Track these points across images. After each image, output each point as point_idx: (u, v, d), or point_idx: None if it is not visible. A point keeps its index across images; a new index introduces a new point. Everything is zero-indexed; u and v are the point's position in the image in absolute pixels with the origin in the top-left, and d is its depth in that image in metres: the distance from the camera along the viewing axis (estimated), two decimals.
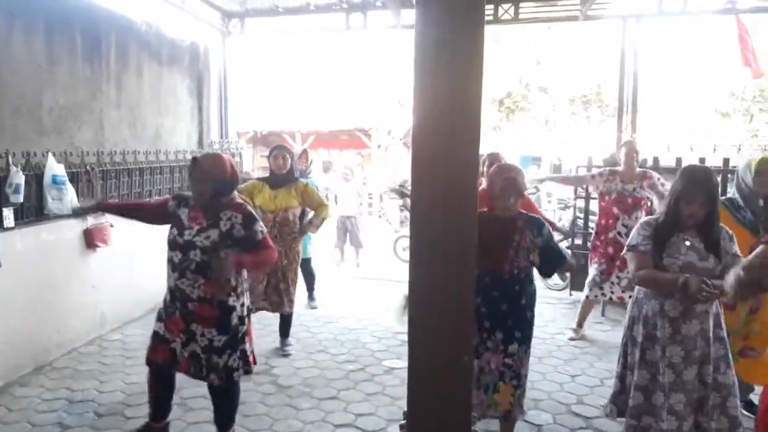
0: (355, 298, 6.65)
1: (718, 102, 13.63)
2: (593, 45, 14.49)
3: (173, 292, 3.08)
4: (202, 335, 3.05)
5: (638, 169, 5.17)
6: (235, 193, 3.20)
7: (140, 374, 4.29)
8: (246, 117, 13.09)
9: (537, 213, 4.50)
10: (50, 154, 4.63)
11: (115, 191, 5.50)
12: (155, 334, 3.19)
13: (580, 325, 5.29)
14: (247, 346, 3.19)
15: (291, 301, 4.77)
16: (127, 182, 5.69)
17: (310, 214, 4.90)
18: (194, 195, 3.10)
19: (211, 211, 3.06)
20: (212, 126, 7.86)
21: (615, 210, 5.10)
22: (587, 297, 5.20)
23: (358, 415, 3.76)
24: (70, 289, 4.77)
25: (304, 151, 5.11)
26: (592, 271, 5.20)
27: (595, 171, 5.34)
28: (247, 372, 3.20)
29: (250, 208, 3.19)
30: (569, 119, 17.62)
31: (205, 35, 7.68)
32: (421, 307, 1.70)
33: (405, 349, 4.77)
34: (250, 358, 3.22)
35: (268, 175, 4.91)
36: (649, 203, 5.19)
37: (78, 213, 3.05)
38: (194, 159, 3.07)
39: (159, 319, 3.20)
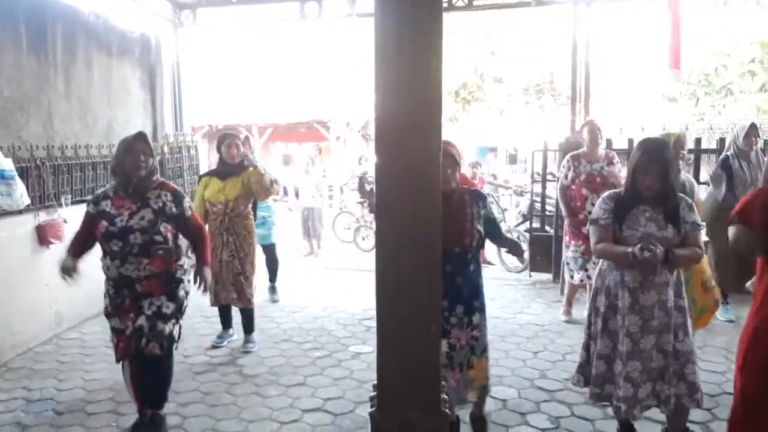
0: (319, 287, 6.64)
1: (665, 87, 14.03)
2: (546, 34, 14.74)
3: (117, 282, 3.08)
4: (150, 305, 3.06)
5: (602, 150, 5.20)
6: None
7: (101, 371, 4.21)
8: (201, 112, 12.87)
9: (473, 185, 4.55)
10: None
11: (67, 186, 5.34)
12: (114, 330, 3.16)
13: (569, 304, 5.28)
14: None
15: (251, 295, 4.60)
16: (80, 177, 5.53)
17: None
18: (130, 171, 3.05)
19: (137, 193, 3.08)
20: (166, 119, 7.71)
21: (584, 191, 5.06)
22: (573, 282, 5.13)
23: (326, 399, 3.77)
24: (24, 288, 4.62)
25: (246, 138, 5.00)
26: (571, 253, 5.14)
27: (563, 170, 5.23)
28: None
29: (173, 185, 3.31)
30: (523, 108, 17.91)
31: (156, 27, 7.51)
32: (390, 290, 1.72)
33: (371, 335, 4.84)
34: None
35: (216, 167, 4.68)
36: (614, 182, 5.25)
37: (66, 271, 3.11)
38: (140, 133, 3.09)
39: (109, 315, 3.17)
